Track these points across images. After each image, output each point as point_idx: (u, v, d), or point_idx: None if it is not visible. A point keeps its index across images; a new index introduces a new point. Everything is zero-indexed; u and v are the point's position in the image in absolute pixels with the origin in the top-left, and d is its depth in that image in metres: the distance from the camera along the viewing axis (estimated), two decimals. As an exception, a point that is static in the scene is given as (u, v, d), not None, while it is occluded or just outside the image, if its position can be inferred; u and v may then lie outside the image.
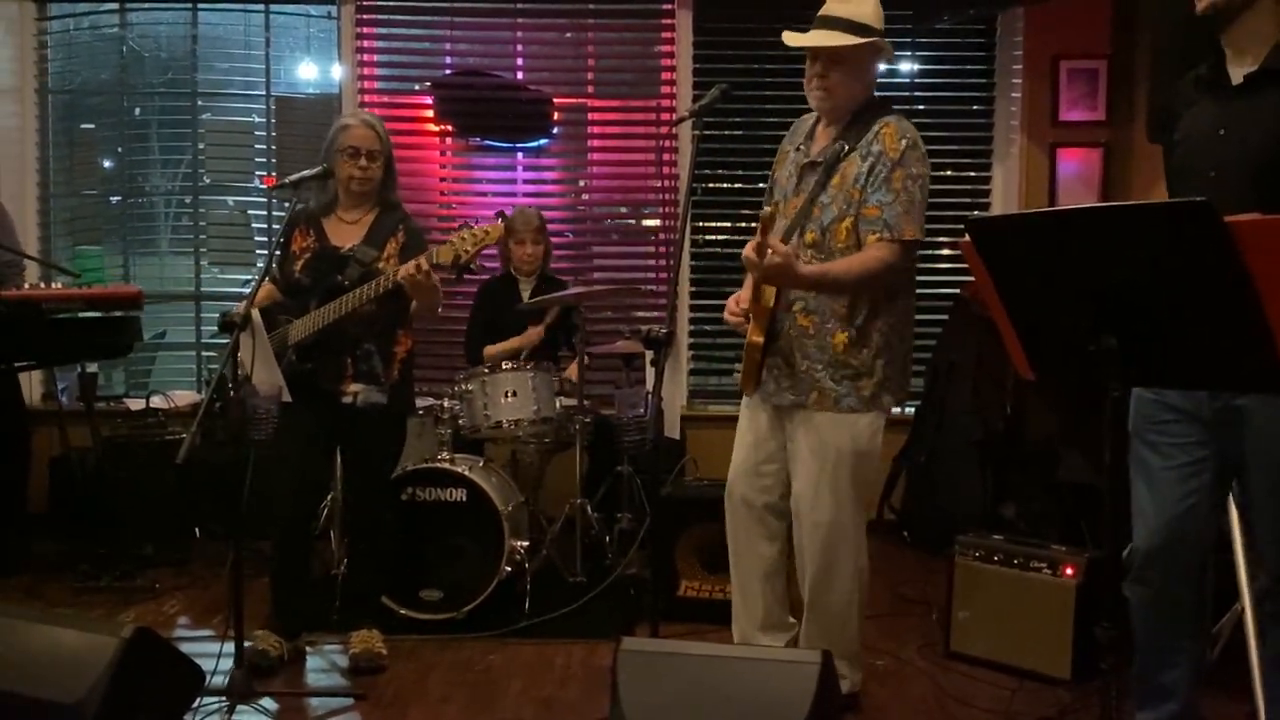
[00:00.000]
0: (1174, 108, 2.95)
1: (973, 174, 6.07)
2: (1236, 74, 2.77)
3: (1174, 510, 2.88)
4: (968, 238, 2.32)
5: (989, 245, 2.31)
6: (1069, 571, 3.74)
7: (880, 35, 3.29)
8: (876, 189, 3.23)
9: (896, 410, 3.52)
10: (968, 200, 6.05)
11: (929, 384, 5.62)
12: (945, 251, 5.97)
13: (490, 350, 5.11)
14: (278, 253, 4.02)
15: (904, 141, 3.26)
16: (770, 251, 3.06)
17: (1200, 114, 2.84)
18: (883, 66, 3.42)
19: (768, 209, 3.27)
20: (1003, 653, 3.87)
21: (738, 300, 3.45)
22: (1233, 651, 3.25)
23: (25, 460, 5.19)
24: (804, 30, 3.32)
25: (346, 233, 3.97)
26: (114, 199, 6.26)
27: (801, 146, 3.46)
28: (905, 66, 6.01)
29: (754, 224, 3.65)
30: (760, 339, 3.33)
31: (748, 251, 3.12)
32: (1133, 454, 2.98)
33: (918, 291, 3.53)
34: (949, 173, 6.04)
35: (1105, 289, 2.16)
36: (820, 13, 3.32)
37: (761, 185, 3.67)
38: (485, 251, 3.86)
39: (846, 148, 3.29)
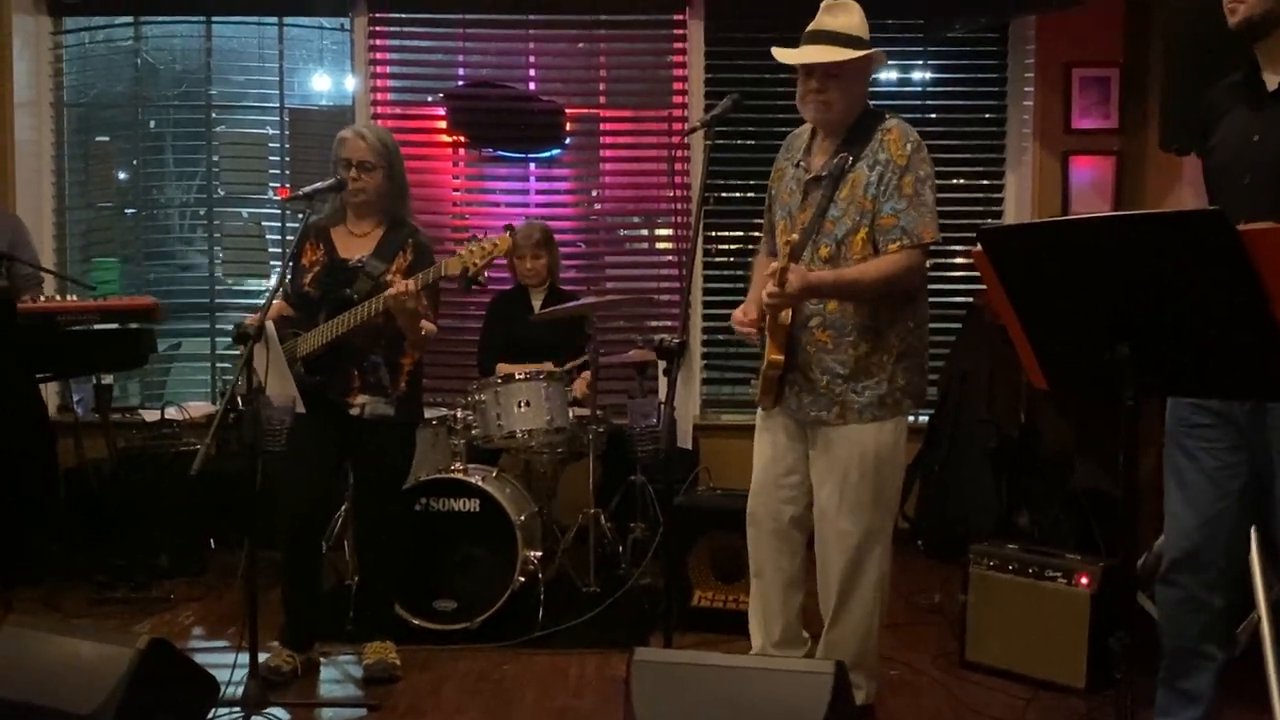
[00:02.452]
0: (1207, 114, 2.95)
1: (986, 182, 6.07)
2: (1272, 81, 2.78)
3: (1206, 514, 2.88)
4: (980, 247, 2.31)
5: (1001, 255, 2.30)
6: (1084, 580, 3.73)
7: (871, 45, 3.29)
8: (889, 197, 3.23)
9: (911, 418, 3.51)
10: (980, 209, 6.04)
11: (943, 392, 5.61)
12: (959, 260, 5.96)
13: (504, 369, 5.11)
14: (290, 263, 4.05)
15: (909, 145, 3.26)
16: (789, 274, 3.08)
17: (1235, 120, 2.85)
18: (895, 75, 3.41)
19: (795, 236, 3.27)
20: (1017, 662, 3.86)
21: (744, 310, 3.45)
22: (1252, 658, 3.23)
23: (51, 471, 5.21)
24: (792, 46, 3.31)
25: (355, 245, 3.98)
26: (129, 210, 6.29)
27: (801, 162, 3.44)
28: (917, 75, 6.01)
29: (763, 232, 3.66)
30: (780, 357, 3.32)
31: (770, 288, 3.13)
32: (1167, 456, 2.98)
33: (931, 300, 3.52)
34: (962, 181, 6.04)
35: (1118, 298, 2.15)
36: (810, 28, 3.30)
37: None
38: (497, 261, 3.86)
39: (851, 158, 3.29)
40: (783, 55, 3.31)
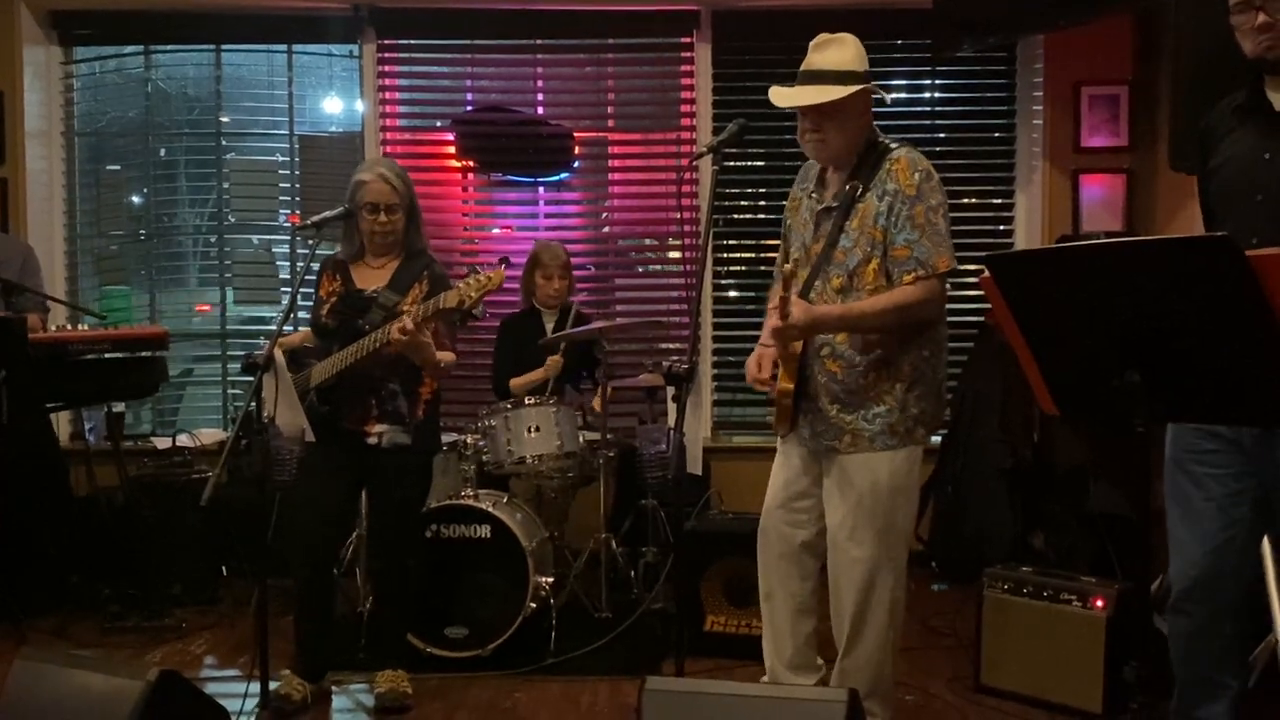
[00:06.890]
0: (1206, 136, 2.94)
1: (996, 201, 6.05)
2: (1278, 101, 2.77)
3: (1213, 543, 2.84)
4: (987, 274, 2.30)
5: (1009, 281, 2.29)
6: (1099, 604, 3.69)
7: (866, 78, 3.25)
8: (901, 228, 3.19)
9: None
10: (991, 228, 6.03)
11: (956, 413, 5.58)
12: (970, 280, 5.93)
13: (516, 383, 5.12)
14: (307, 292, 4.06)
15: (917, 175, 3.22)
16: (793, 308, 3.06)
17: (1241, 140, 2.84)
18: (904, 95, 3.38)
19: (789, 266, 3.25)
20: (1033, 686, 3.83)
21: (759, 362, 3.41)
22: (1269, 684, 3.20)
23: (63, 502, 5.21)
24: (789, 84, 3.27)
25: (372, 277, 3.99)
26: (141, 237, 6.31)
27: (814, 193, 3.41)
28: (926, 95, 6.01)
29: (774, 254, 3.63)
30: (790, 385, 3.30)
31: (774, 321, 3.11)
32: (1170, 483, 2.94)
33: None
34: (972, 201, 6.03)
35: (1127, 324, 2.14)
36: (802, 67, 3.26)
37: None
38: (507, 285, 3.86)
39: (861, 188, 3.26)
40: (775, 98, 3.28)
